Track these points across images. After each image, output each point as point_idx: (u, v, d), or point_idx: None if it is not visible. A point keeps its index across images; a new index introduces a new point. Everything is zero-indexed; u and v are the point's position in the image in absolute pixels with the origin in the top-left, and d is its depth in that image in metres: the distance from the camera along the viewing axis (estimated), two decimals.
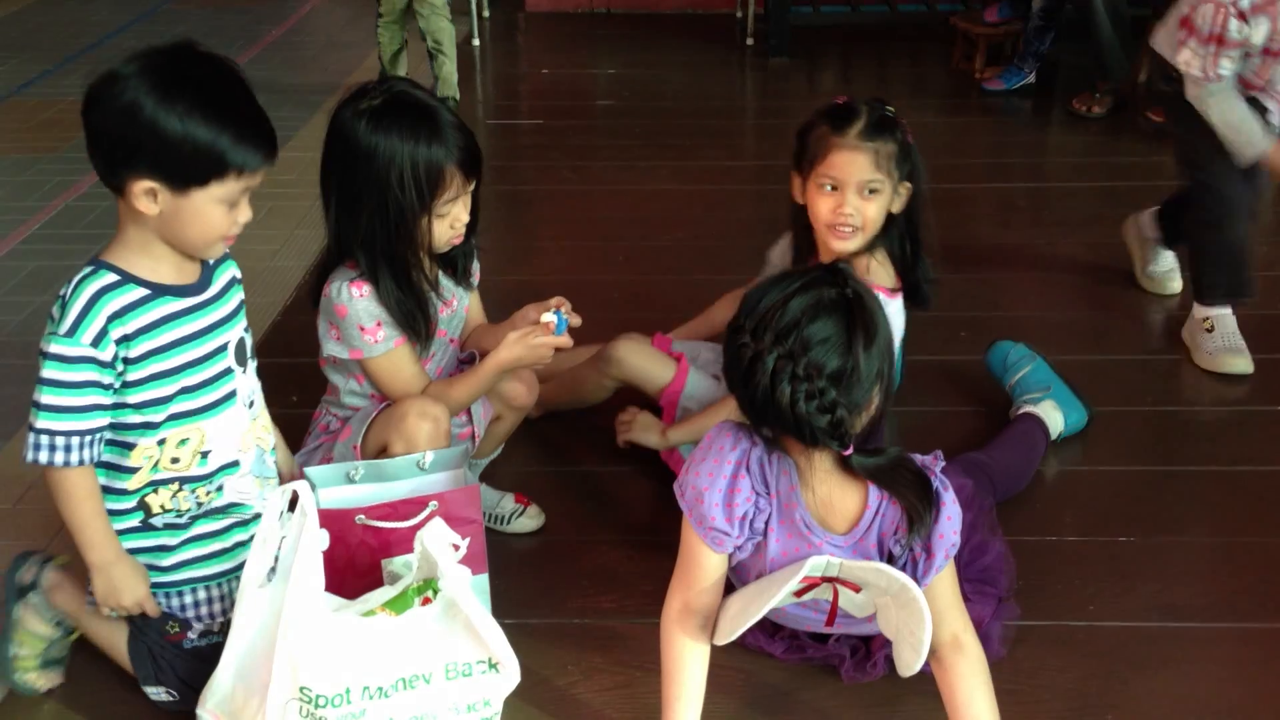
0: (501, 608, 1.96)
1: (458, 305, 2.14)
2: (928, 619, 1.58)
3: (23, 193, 3.92)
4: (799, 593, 1.68)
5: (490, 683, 1.70)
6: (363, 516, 1.81)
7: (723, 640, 1.68)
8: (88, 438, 1.66)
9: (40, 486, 2.11)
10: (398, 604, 1.69)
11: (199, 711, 1.67)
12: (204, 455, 1.76)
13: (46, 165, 4.14)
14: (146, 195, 1.60)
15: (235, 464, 1.80)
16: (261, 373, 1.88)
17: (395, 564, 1.84)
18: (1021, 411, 2.46)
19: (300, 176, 4.03)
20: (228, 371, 1.77)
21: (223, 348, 1.76)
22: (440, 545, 1.62)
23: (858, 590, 1.69)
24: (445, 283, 2.09)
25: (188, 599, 1.81)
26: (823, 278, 1.59)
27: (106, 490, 1.73)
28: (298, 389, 2.51)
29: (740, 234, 3.48)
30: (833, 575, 1.64)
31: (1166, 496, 2.36)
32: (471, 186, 1.98)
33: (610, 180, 3.99)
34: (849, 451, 1.57)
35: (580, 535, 2.27)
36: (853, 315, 1.55)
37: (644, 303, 3.13)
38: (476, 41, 5.60)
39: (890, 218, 2.18)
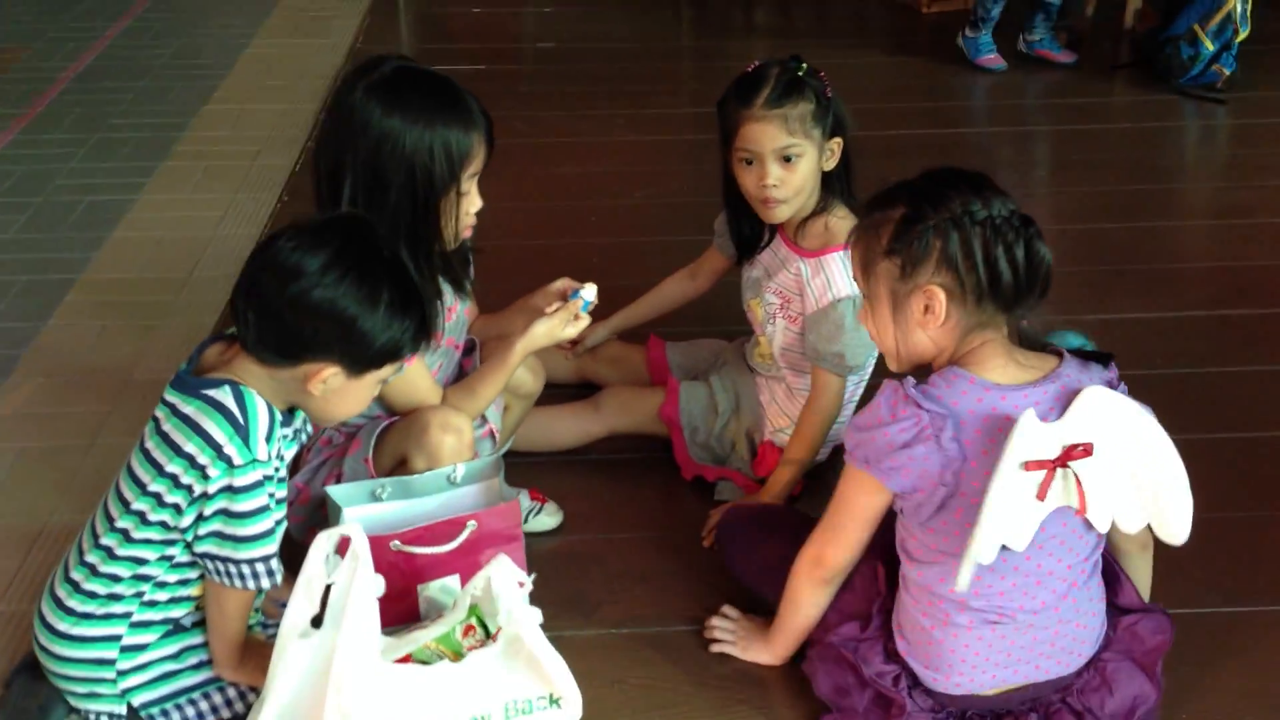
0: None
1: (459, 309, 2.02)
2: (1175, 462, 1.52)
3: None
4: (1039, 495, 1.48)
5: (551, 718, 1.58)
6: (398, 542, 1.66)
7: (964, 585, 1.50)
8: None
9: None
10: (447, 641, 1.56)
11: None
12: None
13: None
14: (324, 379, 1.57)
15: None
16: None
17: (432, 589, 1.70)
18: None
19: (234, 132, 3.79)
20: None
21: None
22: (507, 584, 1.48)
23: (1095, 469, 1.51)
24: (445, 289, 1.95)
25: (216, 699, 1.68)
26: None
27: (168, 601, 1.64)
28: None
29: (714, 189, 3.32)
30: (1056, 449, 1.47)
31: (1205, 467, 2.26)
32: (486, 164, 1.87)
33: (566, 132, 3.80)
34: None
35: (602, 532, 2.14)
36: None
37: (625, 267, 2.96)
38: None
39: (829, 175, 2.11)
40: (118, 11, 4.86)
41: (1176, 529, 1.55)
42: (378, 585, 1.46)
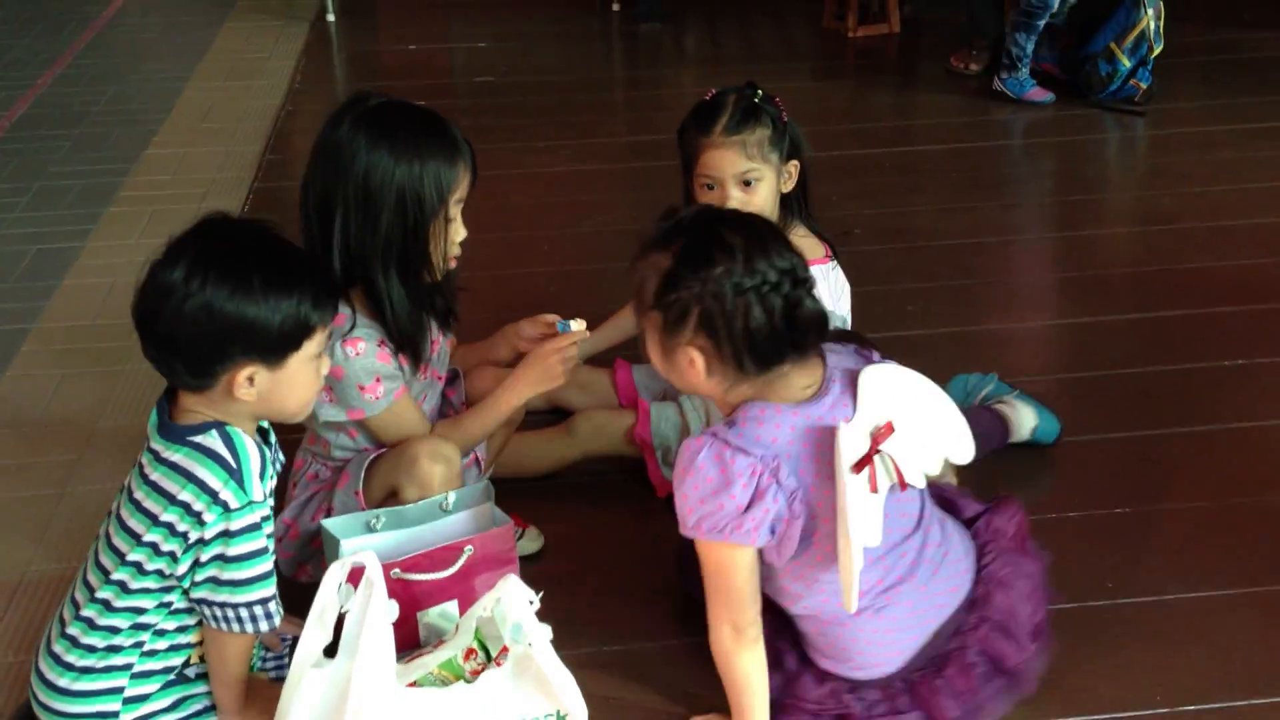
0: None
1: (443, 342, 2.05)
2: (942, 397, 1.63)
3: None
4: (872, 488, 1.56)
5: None
6: (397, 570, 1.69)
7: (854, 604, 1.58)
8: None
9: None
10: (450, 666, 1.60)
11: None
12: None
13: None
14: (246, 381, 1.54)
15: None
16: None
17: (432, 615, 1.73)
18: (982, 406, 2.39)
19: (177, 176, 3.79)
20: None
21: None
22: (518, 602, 1.52)
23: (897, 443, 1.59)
24: (431, 322, 1.99)
25: None
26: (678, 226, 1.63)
27: (169, 649, 1.64)
28: None
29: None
30: (867, 441, 1.55)
31: (1148, 463, 2.39)
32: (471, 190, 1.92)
33: (515, 164, 3.85)
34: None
35: (583, 554, 2.18)
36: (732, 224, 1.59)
37: (580, 295, 3.02)
38: (331, 17, 5.33)
39: (787, 196, 2.18)
40: (49, 60, 4.82)
41: (963, 451, 1.66)
42: (391, 611, 1.49)
